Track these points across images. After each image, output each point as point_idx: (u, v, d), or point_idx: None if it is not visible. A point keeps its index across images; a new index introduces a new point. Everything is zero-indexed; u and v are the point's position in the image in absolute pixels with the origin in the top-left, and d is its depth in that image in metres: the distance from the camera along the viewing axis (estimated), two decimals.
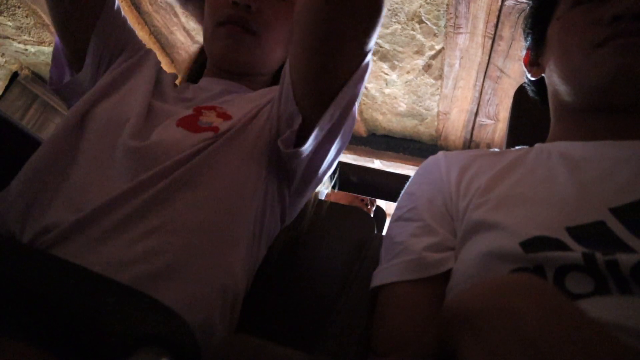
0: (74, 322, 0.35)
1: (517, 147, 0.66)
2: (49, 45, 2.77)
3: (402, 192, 0.68)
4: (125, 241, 0.51)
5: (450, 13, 1.97)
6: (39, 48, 2.82)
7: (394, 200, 0.73)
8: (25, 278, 0.37)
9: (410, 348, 0.50)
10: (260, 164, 0.63)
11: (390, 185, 0.98)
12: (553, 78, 0.64)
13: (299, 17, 0.56)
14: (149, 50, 0.80)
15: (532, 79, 0.73)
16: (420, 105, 2.65)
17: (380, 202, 2.14)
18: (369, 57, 0.59)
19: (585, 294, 0.40)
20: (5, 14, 2.50)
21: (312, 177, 0.69)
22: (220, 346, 0.37)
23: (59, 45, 0.75)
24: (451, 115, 2.62)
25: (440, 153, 0.67)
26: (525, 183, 0.54)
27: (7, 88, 2.99)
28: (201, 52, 0.89)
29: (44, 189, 0.57)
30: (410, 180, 0.69)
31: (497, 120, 2.55)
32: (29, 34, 2.67)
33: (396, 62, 2.37)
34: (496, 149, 0.67)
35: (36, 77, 3.11)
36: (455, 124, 2.69)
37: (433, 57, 2.28)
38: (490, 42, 2.05)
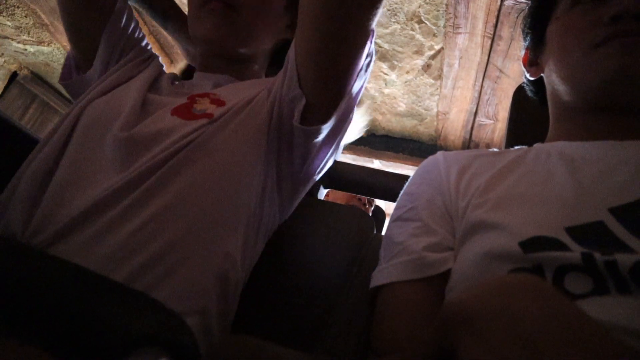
0: (72, 322, 0.35)
1: (516, 147, 0.66)
2: (48, 45, 2.77)
3: (401, 192, 0.68)
4: (124, 235, 0.51)
5: (450, 13, 1.97)
6: (38, 48, 2.81)
7: (394, 200, 0.73)
8: (24, 278, 0.37)
9: (410, 348, 0.50)
10: (259, 148, 0.63)
11: (390, 185, 0.98)
12: (552, 78, 0.64)
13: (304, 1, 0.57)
14: (155, 56, 0.81)
15: (531, 78, 0.73)
16: (419, 105, 2.65)
17: (380, 202, 2.14)
18: (372, 46, 0.61)
19: (584, 293, 0.40)
20: (4, 14, 2.50)
21: (317, 165, 0.69)
22: (220, 346, 0.37)
23: (70, 50, 0.78)
24: (450, 115, 2.62)
25: (440, 153, 0.67)
26: (525, 183, 0.54)
27: (6, 88, 2.98)
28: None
29: (42, 188, 0.57)
30: (409, 180, 0.69)
31: (496, 120, 2.55)
32: (28, 33, 2.67)
33: (395, 62, 2.37)
34: (495, 149, 0.67)
35: (35, 77, 3.11)
36: (455, 124, 2.69)
37: (432, 57, 2.28)
38: (489, 42, 2.05)
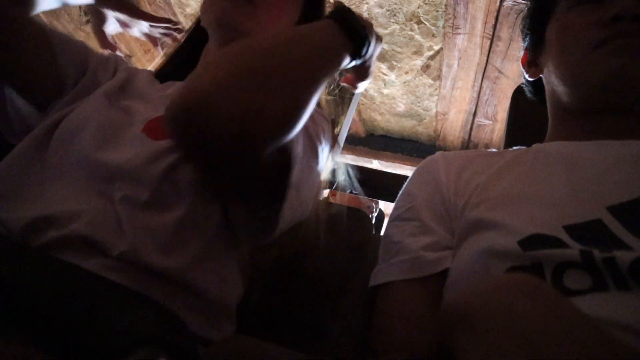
0: (71, 323, 0.35)
1: (515, 148, 0.67)
2: None
3: (400, 192, 0.68)
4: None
5: (449, 13, 1.98)
6: None
7: (392, 201, 0.73)
8: (23, 278, 0.37)
9: (408, 347, 0.50)
10: None
11: (389, 186, 0.98)
12: (551, 78, 0.65)
13: None
14: (109, 58, 0.75)
15: (530, 79, 0.73)
16: (418, 106, 2.65)
17: (379, 202, 2.14)
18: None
19: (583, 290, 0.40)
20: None
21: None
22: (219, 346, 0.37)
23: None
24: (449, 115, 2.62)
25: (438, 153, 0.67)
26: (523, 182, 0.55)
27: None
28: (185, 44, 0.84)
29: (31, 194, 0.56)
30: (408, 180, 0.69)
31: (495, 121, 2.55)
32: None
33: (395, 63, 2.37)
34: (494, 149, 0.67)
35: None
36: (454, 125, 2.69)
37: (431, 57, 2.29)
38: (488, 42, 2.05)
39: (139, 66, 1.03)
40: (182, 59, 0.83)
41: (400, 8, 2.06)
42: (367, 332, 0.58)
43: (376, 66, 2.41)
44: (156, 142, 0.56)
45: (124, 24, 0.91)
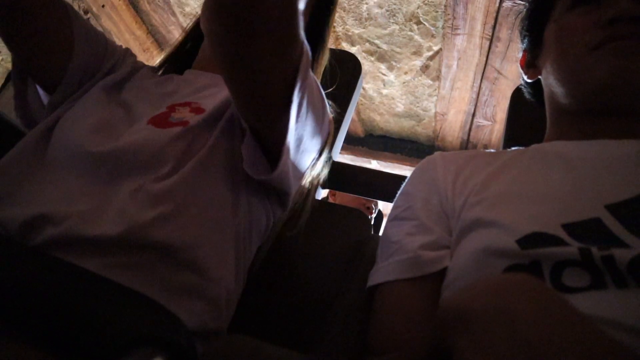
0: (68, 322, 0.35)
1: (513, 148, 0.67)
2: None
3: (399, 192, 0.68)
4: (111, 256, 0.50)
5: (448, 14, 1.98)
6: None
7: (391, 201, 0.73)
8: (23, 278, 0.37)
9: (406, 347, 0.50)
10: (237, 162, 0.61)
11: (388, 186, 0.98)
12: (549, 80, 0.65)
13: (204, 32, 0.52)
14: (124, 52, 0.77)
15: (529, 80, 0.73)
16: (417, 106, 2.65)
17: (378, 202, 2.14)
18: (303, 62, 0.53)
19: (581, 288, 0.40)
20: None
21: (300, 172, 0.67)
22: (218, 346, 0.37)
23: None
24: (448, 116, 2.62)
25: (437, 153, 0.67)
26: (521, 181, 0.55)
27: (3, 86, 2.97)
28: (185, 40, 0.85)
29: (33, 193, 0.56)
30: (406, 180, 0.69)
31: (494, 122, 2.55)
32: None
33: (394, 63, 2.37)
34: (492, 150, 0.67)
35: None
36: (453, 125, 2.70)
37: (431, 58, 2.29)
38: (487, 43, 2.05)
39: None
40: (182, 54, 0.84)
41: (399, 8, 2.06)
42: (364, 331, 0.58)
43: (375, 66, 2.41)
44: (166, 129, 0.58)
45: None
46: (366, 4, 2.08)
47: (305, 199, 0.78)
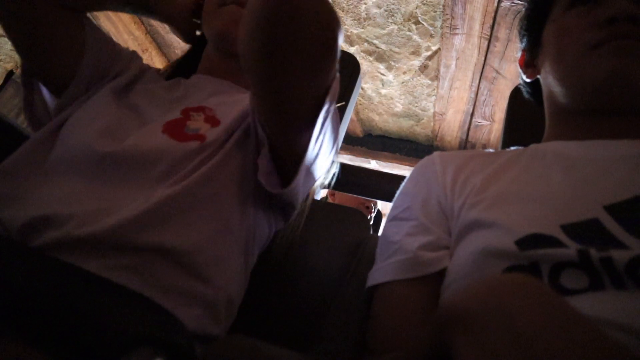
0: (68, 323, 0.35)
1: (512, 148, 0.67)
2: None
3: (398, 192, 0.68)
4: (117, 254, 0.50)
5: (447, 14, 1.98)
6: None
7: (390, 201, 0.73)
8: (23, 278, 0.37)
9: (405, 347, 0.50)
10: (250, 177, 0.62)
11: (386, 186, 0.98)
12: (548, 80, 0.65)
13: (242, 49, 0.52)
14: (131, 55, 0.77)
15: (528, 80, 0.73)
16: (416, 106, 2.65)
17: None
18: (332, 90, 0.54)
19: (580, 289, 0.40)
20: None
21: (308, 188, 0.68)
22: (217, 346, 0.37)
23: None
24: (447, 116, 2.62)
25: (435, 153, 0.67)
26: (520, 182, 0.55)
27: (2, 86, 2.97)
28: (194, 48, 0.86)
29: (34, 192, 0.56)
30: (405, 180, 0.69)
31: (492, 121, 2.55)
32: None
33: (392, 63, 2.38)
34: (491, 150, 0.67)
35: None
36: (451, 125, 2.70)
37: (429, 57, 2.29)
38: (486, 43, 2.06)
39: None
40: (186, 59, 0.85)
41: (398, 8, 2.06)
42: (364, 331, 0.58)
43: (374, 66, 2.42)
44: (182, 144, 0.58)
45: None
46: (365, 4, 2.08)
47: (305, 200, 0.78)
